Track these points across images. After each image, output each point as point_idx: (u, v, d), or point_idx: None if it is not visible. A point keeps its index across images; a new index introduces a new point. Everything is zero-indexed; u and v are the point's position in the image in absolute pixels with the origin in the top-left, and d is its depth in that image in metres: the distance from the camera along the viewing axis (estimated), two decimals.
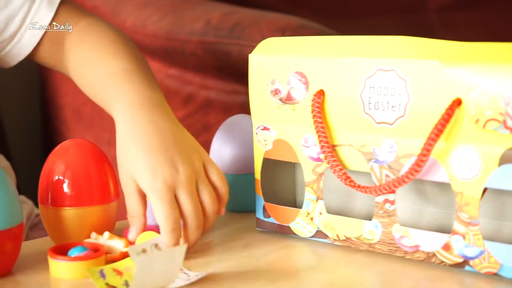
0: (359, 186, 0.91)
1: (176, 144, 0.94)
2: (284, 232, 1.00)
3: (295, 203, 1.04)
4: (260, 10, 1.57)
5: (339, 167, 0.92)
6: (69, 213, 0.95)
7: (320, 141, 0.93)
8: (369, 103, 0.90)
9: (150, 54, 1.60)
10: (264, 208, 1.02)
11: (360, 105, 0.91)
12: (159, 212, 0.89)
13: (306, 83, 0.95)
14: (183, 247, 0.81)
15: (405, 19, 2.36)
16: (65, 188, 0.95)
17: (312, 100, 0.94)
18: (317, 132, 0.94)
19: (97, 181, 0.96)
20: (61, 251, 0.90)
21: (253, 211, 1.10)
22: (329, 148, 0.93)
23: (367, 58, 0.90)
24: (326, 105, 0.94)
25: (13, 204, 0.88)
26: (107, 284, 0.82)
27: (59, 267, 0.88)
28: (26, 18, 1.13)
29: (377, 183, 0.91)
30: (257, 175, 1.02)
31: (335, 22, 1.74)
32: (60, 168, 0.95)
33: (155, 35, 1.56)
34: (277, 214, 1.00)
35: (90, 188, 0.95)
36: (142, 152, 0.93)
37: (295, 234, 0.99)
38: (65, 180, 0.95)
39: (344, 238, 0.95)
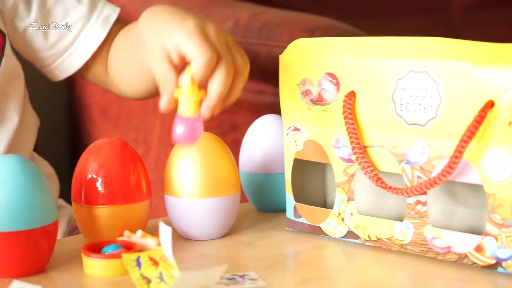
0: (390, 187, 0.91)
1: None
2: (315, 232, 1.01)
3: (325, 204, 1.04)
4: (288, 11, 1.57)
5: (371, 168, 0.93)
6: (102, 211, 0.96)
7: (352, 142, 0.94)
8: (401, 104, 0.91)
9: None
10: (294, 208, 1.02)
11: (391, 107, 0.91)
12: (202, 45, 0.89)
13: (337, 84, 0.96)
14: (221, 268, 0.83)
15: (429, 19, 2.35)
16: (99, 186, 0.96)
17: (343, 101, 0.94)
18: (348, 133, 0.94)
19: (130, 180, 0.97)
20: (95, 249, 0.91)
21: (283, 211, 1.10)
22: (361, 149, 0.93)
23: (398, 59, 0.91)
24: (357, 106, 0.94)
25: (48, 202, 0.89)
26: (142, 275, 0.83)
27: (93, 265, 0.89)
28: (80, 33, 1.14)
29: (409, 185, 0.91)
30: (288, 175, 1.03)
31: (360, 23, 1.74)
32: (93, 166, 0.96)
33: None
34: (308, 214, 1.01)
35: (123, 186, 0.96)
36: (171, 18, 0.93)
37: (326, 235, 1.00)
38: (98, 178, 0.96)
39: (375, 238, 0.95)
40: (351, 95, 0.94)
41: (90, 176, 0.96)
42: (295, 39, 1.23)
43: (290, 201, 1.03)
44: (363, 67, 0.93)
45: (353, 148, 0.94)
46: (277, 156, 1.10)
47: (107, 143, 0.99)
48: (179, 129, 0.92)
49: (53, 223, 0.90)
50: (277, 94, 1.46)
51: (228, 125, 1.55)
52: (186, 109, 0.91)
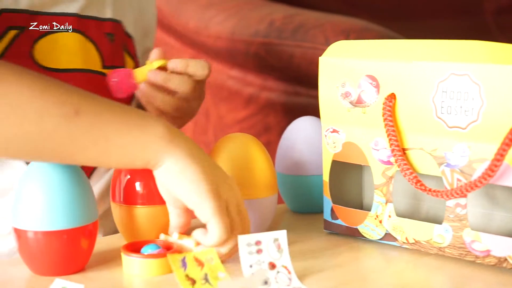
0: (430, 190, 0.91)
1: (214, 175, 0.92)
2: (352, 234, 1.01)
3: (362, 206, 1.04)
4: (322, 12, 1.57)
5: (410, 170, 0.92)
6: (141, 211, 0.96)
7: (391, 145, 0.94)
8: (442, 107, 0.91)
9: (213, 55, 1.61)
10: (332, 210, 1.02)
11: (432, 109, 0.91)
12: (220, 224, 0.89)
13: (377, 87, 0.96)
14: (263, 271, 0.83)
15: (461, 21, 2.35)
16: (137, 186, 0.96)
17: (383, 104, 0.94)
18: (388, 135, 0.94)
19: None
20: (134, 248, 0.92)
21: (318, 212, 1.10)
22: (400, 151, 0.93)
23: (440, 62, 0.91)
24: (397, 108, 0.94)
25: (89, 201, 0.90)
26: (187, 275, 0.83)
27: (132, 264, 0.90)
28: None
29: (449, 187, 0.91)
30: (326, 177, 1.03)
31: (391, 24, 1.74)
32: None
33: (218, 36, 1.57)
34: (345, 216, 1.01)
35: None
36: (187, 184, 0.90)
37: (363, 237, 1.00)
38: (137, 178, 0.96)
39: (413, 241, 0.95)
40: (391, 97, 0.94)
41: (129, 176, 0.97)
42: (330, 41, 1.24)
43: (327, 203, 1.03)
44: (404, 70, 0.93)
45: (393, 150, 0.94)
46: (313, 157, 1.10)
47: None
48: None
49: (93, 222, 0.91)
50: (311, 96, 1.46)
51: (261, 127, 1.56)
52: None
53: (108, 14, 1.13)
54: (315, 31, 1.40)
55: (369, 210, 0.99)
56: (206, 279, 0.84)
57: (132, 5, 1.19)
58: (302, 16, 1.49)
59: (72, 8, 1.09)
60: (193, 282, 0.83)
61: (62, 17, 1.09)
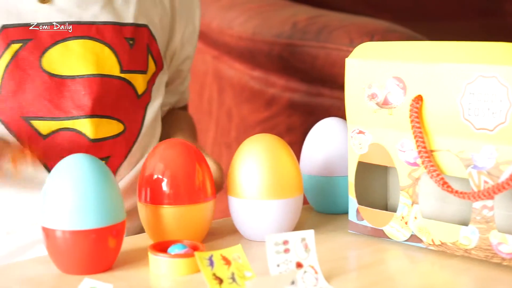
0: (457, 192, 0.91)
1: None
2: (377, 235, 1.01)
3: (386, 207, 1.05)
4: (345, 14, 1.57)
5: (437, 172, 0.92)
6: (167, 211, 0.97)
7: (418, 146, 0.94)
8: (469, 109, 0.91)
9: (235, 56, 1.62)
10: (357, 211, 1.02)
11: (459, 111, 0.91)
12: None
13: (404, 88, 0.96)
14: (292, 272, 0.83)
15: (482, 22, 2.34)
16: (164, 186, 0.97)
17: (410, 105, 0.95)
18: (415, 137, 0.94)
19: (194, 180, 0.98)
20: (161, 248, 0.92)
21: (343, 213, 1.11)
22: (427, 153, 0.93)
23: (467, 64, 0.91)
24: (424, 110, 0.94)
25: (117, 201, 0.91)
26: (214, 274, 0.83)
27: (160, 264, 0.90)
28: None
29: (475, 189, 0.91)
30: (351, 178, 1.03)
31: (413, 26, 1.74)
32: (159, 167, 0.97)
33: (241, 36, 1.57)
34: (371, 217, 1.01)
35: (188, 186, 0.97)
36: None
37: (389, 238, 1.00)
38: (164, 179, 0.97)
39: (439, 243, 0.95)
40: (418, 99, 0.94)
41: (156, 176, 0.97)
42: (355, 42, 1.24)
43: (353, 204, 1.03)
44: (431, 71, 0.93)
45: (419, 152, 0.94)
46: (338, 158, 1.10)
47: (172, 144, 1.00)
48: None
49: (121, 222, 0.91)
50: (334, 97, 1.47)
51: (284, 128, 1.56)
52: None
53: (129, 18, 1.14)
54: (339, 32, 1.41)
55: (394, 211, 0.99)
56: (233, 278, 0.84)
57: (161, 7, 1.20)
58: (326, 18, 1.49)
59: (86, 16, 1.11)
60: (220, 281, 0.83)
61: (74, 25, 1.10)
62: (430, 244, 0.96)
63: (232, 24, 1.59)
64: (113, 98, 1.11)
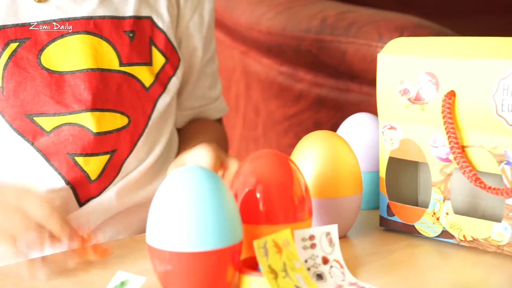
0: (489, 188, 0.91)
1: None
2: (408, 231, 1.01)
3: (417, 203, 1.04)
4: (374, 9, 1.57)
5: (469, 168, 0.92)
6: (263, 231, 0.87)
7: (450, 142, 0.94)
8: (502, 105, 0.90)
9: (264, 51, 1.62)
10: (388, 207, 1.02)
11: (492, 107, 0.91)
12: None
13: (436, 84, 0.95)
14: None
15: (509, 19, 2.33)
16: (259, 204, 0.87)
17: (443, 101, 0.94)
18: (447, 132, 0.94)
19: (291, 198, 0.88)
20: (251, 264, 0.86)
21: (373, 209, 1.11)
22: (459, 149, 0.93)
23: (501, 60, 0.90)
24: (457, 105, 0.94)
25: (236, 219, 0.83)
26: (269, 266, 0.82)
27: (253, 283, 0.84)
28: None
29: (508, 185, 0.91)
30: (382, 173, 1.03)
31: (441, 22, 1.73)
32: (251, 181, 0.88)
33: (270, 32, 1.58)
34: (402, 213, 1.01)
35: (284, 205, 0.88)
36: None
37: (420, 234, 1.00)
38: (257, 194, 0.88)
39: (471, 239, 0.95)
40: (451, 94, 0.94)
41: (247, 190, 0.88)
42: (384, 38, 1.24)
43: (383, 199, 1.03)
44: (464, 67, 0.93)
45: (452, 147, 0.93)
46: (369, 154, 1.10)
47: (269, 155, 0.90)
48: None
49: (240, 242, 0.83)
50: (363, 93, 1.46)
51: (311, 123, 1.56)
52: None
53: (129, 11, 1.14)
54: (368, 28, 1.40)
55: (424, 207, 0.99)
56: (285, 271, 0.83)
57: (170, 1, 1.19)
58: (355, 13, 1.49)
59: (82, 11, 1.11)
60: (275, 275, 0.82)
61: (72, 21, 1.10)
62: (461, 240, 0.96)
63: (260, 20, 1.60)
64: (115, 92, 1.12)
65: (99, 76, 1.10)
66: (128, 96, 1.13)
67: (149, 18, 1.16)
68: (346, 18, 1.46)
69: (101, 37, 1.11)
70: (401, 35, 1.37)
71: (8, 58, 1.07)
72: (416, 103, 0.97)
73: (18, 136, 1.09)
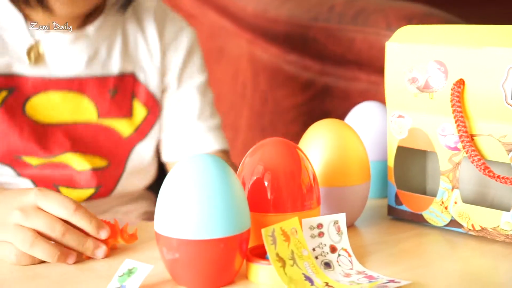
0: (498, 177, 0.90)
1: None
2: (416, 220, 1.00)
3: (425, 192, 1.04)
4: None
5: (478, 157, 0.92)
6: (270, 219, 0.87)
7: (459, 131, 0.93)
8: None
9: (271, 39, 1.61)
10: (396, 196, 1.02)
11: (502, 95, 0.90)
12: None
13: (446, 72, 0.95)
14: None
15: None
16: (267, 192, 0.87)
17: (452, 89, 0.94)
18: (456, 121, 0.93)
19: (299, 186, 0.88)
20: (258, 253, 0.85)
21: (380, 198, 1.10)
22: (468, 137, 0.93)
23: (510, 48, 0.90)
24: (466, 94, 0.93)
25: (244, 207, 0.82)
26: (277, 254, 0.82)
27: (259, 271, 0.84)
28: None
29: None
30: (390, 162, 1.02)
31: (450, 10, 1.72)
32: (258, 169, 0.88)
33: (276, 20, 1.57)
34: (410, 202, 1.01)
35: (292, 194, 0.88)
36: None
37: (428, 223, 0.99)
38: (265, 183, 0.87)
39: (479, 228, 0.94)
40: (460, 83, 0.93)
41: (255, 178, 0.88)
42: (392, 26, 1.23)
43: (391, 188, 1.02)
44: (473, 55, 0.92)
45: (461, 136, 0.93)
46: (376, 143, 1.10)
47: (276, 143, 0.90)
48: None
49: (247, 230, 0.82)
50: (370, 82, 1.46)
51: (319, 112, 1.56)
52: None
53: (114, 68, 1.22)
54: (376, 16, 1.40)
55: (433, 196, 0.99)
56: (293, 259, 0.83)
57: (150, 52, 1.26)
58: (363, 1, 1.48)
59: (69, 72, 1.19)
60: (283, 263, 0.82)
61: (57, 80, 1.18)
62: (470, 230, 0.96)
63: (268, 8, 1.59)
64: (91, 140, 1.20)
65: (77, 128, 1.19)
66: (105, 143, 1.21)
67: (131, 74, 1.23)
68: (354, 6, 1.45)
69: (82, 94, 1.19)
70: (409, 24, 1.36)
71: (0, 104, 1.14)
72: (425, 91, 0.97)
73: (5, 166, 1.16)
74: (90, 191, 1.19)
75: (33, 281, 0.86)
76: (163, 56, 1.26)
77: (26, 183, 1.16)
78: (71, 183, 1.18)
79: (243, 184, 0.88)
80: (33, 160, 1.17)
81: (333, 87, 1.52)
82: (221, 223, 0.79)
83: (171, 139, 1.28)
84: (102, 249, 0.90)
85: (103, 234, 0.90)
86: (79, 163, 1.18)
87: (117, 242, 0.92)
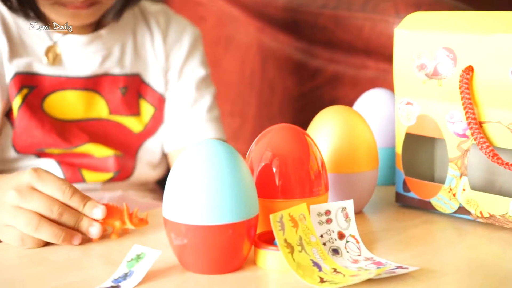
0: (507, 164, 0.90)
1: None
2: (424, 207, 1.00)
3: (433, 179, 1.04)
4: None
5: (487, 144, 0.92)
6: (278, 205, 0.87)
7: (468, 118, 0.93)
8: None
9: (280, 27, 1.61)
10: (404, 183, 1.02)
11: (510, 82, 0.90)
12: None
13: (454, 59, 0.95)
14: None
15: None
16: (275, 178, 0.87)
17: (460, 76, 0.93)
18: (465, 108, 0.93)
19: (307, 172, 0.88)
20: (266, 239, 0.86)
21: (388, 185, 1.10)
22: (477, 124, 0.93)
23: None
24: (475, 81, 0.93)
25: (253, 193, 0.83)
26: (285, 240, 0.82)
27: (267, 257, 0.84)
28: None
29: None
30: (398, 149, 1.02)
31: None
32: (267, 155, 0.88)
33: (286, 8, 1.57)
34: (418, 189, 1.01)
35: (300, 180, 0.88)
36: None
37: (436, 210, 0.99)
38: (273, 169, 0.87)
39: (488, 215, 0.94)
40: (469, 69, 0.93)
41: (264, 164, 0.88)
42: (401, 14, 1.22)
43: (400, 175, 1.02)
44: (482, 42, 0.92)
45: (469, 123, 0.93)
46: (385, 130, 1.09)
47: (285, 129, 0.90)
48: None
49: (256, 216, 0.83)
50: (379, 69, 1.45)
51: (328, 100, 1.55)
52: None
53: (125, 68, 1.27)
54: (385, 3, 1.39)
55: (441, 183, 0.99)
56: (301, 245, 0.83)
57: (155, 55, 1.30)
58: None
59: (86, 71, 1.23)
60: (291, 249, 0.82)
61: (73, 79, 1.23)
62: (478, 217, 0.95)
63: None
64: (105, 134, 1.25)
65: (91, 124, 1.24)
66: (118, 137, 1.26)
67: (138, 74, 1.28)
68: None
69: (97, 92, 1.25)
70: (418, 10, 1.35)
71: (22, 101, 1.19)
72: (434, 78, 0.97)
73: (29, 155, 1.21)
74: (110, 175, 1.24)
75: (40, 266, 0.86)
76: (166, 57, 1.31)
77: (51, 162, 1.21)
78: (93, 168, 1.23)
79: (251, 170, 0.88)
80: (55, 151, 1.21)
81: (342, 75, 1.52)
82: (230, 208, 0.79)
83: (169, 128, 1.31)
84: (96, 227, 0.91)
85: (97, 213, 0.91)
86: (99, 151, 1.23)
87: (125, 225, 0.93)
